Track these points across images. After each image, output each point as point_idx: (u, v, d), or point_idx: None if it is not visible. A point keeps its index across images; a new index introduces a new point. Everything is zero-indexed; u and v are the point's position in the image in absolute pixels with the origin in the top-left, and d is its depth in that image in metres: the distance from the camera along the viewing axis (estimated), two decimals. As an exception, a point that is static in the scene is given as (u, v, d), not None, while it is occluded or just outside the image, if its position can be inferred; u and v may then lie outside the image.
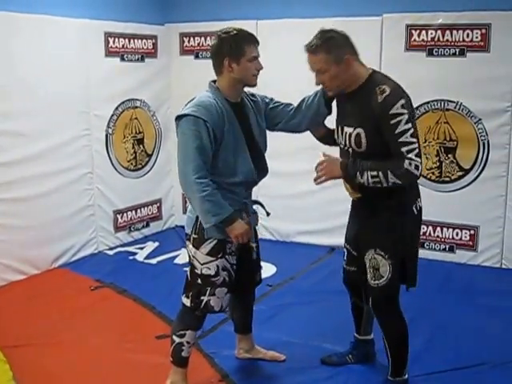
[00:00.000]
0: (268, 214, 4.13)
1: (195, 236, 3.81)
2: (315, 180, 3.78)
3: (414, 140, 3.51)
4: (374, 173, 3.58)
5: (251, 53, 3.67)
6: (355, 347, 4.53)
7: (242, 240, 3.75)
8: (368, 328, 4.46)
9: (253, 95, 3.95)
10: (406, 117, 3.47)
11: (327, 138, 4.08)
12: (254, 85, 3.79)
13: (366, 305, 4.26)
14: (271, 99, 4.04)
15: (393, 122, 3.49)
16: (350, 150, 3.72)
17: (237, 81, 3.72)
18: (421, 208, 3.86)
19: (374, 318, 4.29)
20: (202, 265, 3.80)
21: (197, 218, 3.79)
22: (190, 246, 3.85)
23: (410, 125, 3.48)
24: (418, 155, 3.52)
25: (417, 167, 3.51)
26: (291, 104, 4.03)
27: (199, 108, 3.61)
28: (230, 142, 3.68)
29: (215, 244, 3.77)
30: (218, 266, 3.79)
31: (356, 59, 3.66)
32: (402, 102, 3.49)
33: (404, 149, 3.50)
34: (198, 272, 3.82)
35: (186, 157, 3.60)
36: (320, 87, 3.91)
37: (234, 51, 3.64)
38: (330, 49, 3.56)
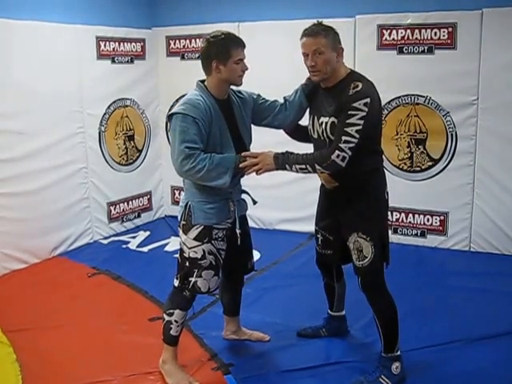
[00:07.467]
0: (255, 203, 4.06)
1: (184, 222, 3.85)
2: (246, 170, 3.75)
3: (357, 136, 3.53)
4: (302, 166, 3.67)
5: (237, 55, 3.69)
6: (328, 322, 4.62)
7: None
8: (340, 305, 4.54)
9: (239, 92, 3.97)
10: (363, 114, 3.52)
11: (296, 132, 4.14)
12: (239, 84, 3.82)
13: (337, 284, 4.39)
14: (258, 95, 4.05)
15: (350, 112, 3.53)
16: (327, 139, 3.73)
17: (224, 81, 3.74)
18: (388, 193, 3.93)
19: (345, 295, 4.46)
20: (189, 249, 3.84)
21: (185, 206, 3.83)
22: (181, 231, 3.89)
23: (361, 122, 3.52)
24: (351, 149, 3.55)
25: (343, 159, 3.56)
26: (277, 100, 4.04)
27: (187, 106, 3.63)
28: (216, 135, 3.71)
29: (201, 230, 3.80)
30: (204, 250, 3.82)
31: (343, 55, 3.73)
32: (367, 100, 3.53)
33: (344, 138, 3.54)
34: (186, 255, 3.86)
35: (174, 151, 3.62)
36: (298, 86, 4.00)
37: (222, 54, 3.66)
38: (329, 35, 3.63)
